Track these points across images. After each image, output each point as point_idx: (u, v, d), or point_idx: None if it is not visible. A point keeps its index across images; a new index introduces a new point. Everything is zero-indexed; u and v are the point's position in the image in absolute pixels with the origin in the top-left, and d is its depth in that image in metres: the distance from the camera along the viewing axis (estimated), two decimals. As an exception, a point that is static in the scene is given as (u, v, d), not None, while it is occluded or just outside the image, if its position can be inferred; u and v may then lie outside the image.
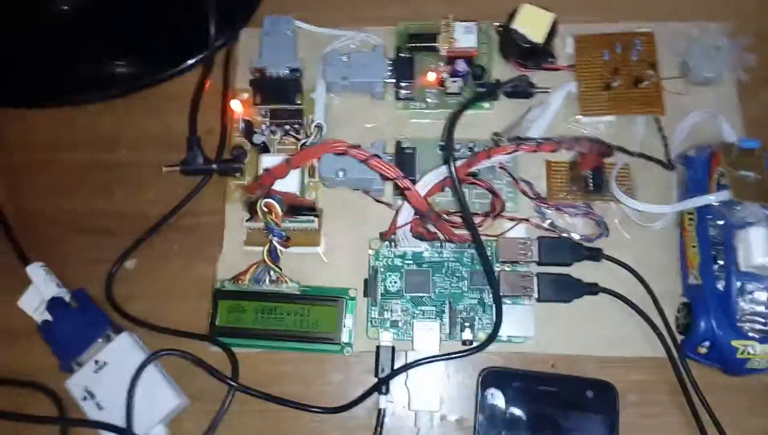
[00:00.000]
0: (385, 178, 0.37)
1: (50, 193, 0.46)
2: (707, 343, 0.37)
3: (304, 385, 0.41)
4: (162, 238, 0.44)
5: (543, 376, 0.40)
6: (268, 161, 0.42)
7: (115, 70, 0.48)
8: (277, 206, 0.38)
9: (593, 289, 0.40)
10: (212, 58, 0.46)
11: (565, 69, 0.45)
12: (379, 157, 0.36)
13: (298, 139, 0.44)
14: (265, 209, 0.38)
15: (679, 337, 0.40)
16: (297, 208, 0.41)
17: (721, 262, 0.38)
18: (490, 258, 0.40)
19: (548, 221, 0.42)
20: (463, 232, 0.41)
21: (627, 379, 0.40)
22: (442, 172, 0.39)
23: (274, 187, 0.39)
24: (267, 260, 0.40)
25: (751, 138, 0.40)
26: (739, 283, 0.37)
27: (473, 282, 0.41)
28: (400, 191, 0.40)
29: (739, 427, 0.39)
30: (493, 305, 0.39)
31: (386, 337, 0.40)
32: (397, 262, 0.41)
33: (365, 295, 0.41)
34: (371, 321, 0.41)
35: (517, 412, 0.39)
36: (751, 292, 0.37)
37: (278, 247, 0.39)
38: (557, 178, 0.43)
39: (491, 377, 0.39)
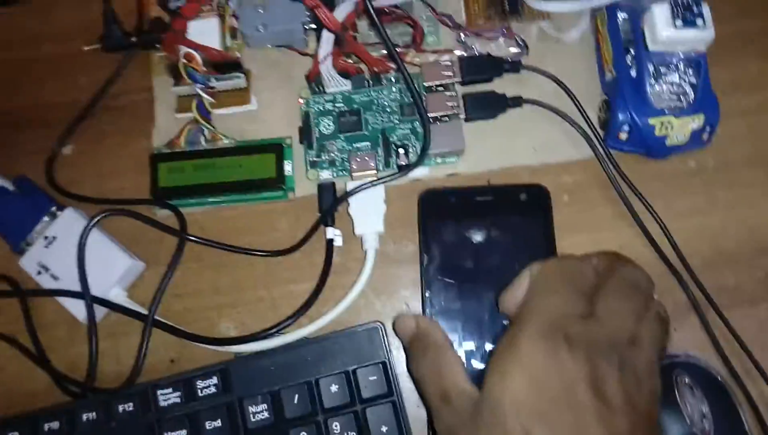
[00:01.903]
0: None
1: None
2: (626, 127, 0.39)
3: (254, 235, 0.42)
4: (95, 121, 0.44)
5: (478, 189, 0.41)
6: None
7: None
8: (196, 55, 0.39)
9: (518, 101, 0.41)
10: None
11: None
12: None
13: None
14: (186, 60, 0.39)
15: (603, 134, 0.42)
16: (221, 65, 0.41)
17: (633, 52, 0.40)
18: (416, 86, 0.41)
19: (470, 50, 0.43)
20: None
21: (559, 182, 0.42)
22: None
23: (194, 42, 0.40)
24: (197, 117, 0.40)
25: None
26: (651, 67, 0.39)
27: (404, 113, 0.42)
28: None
29: (670, 210, 0.41)
30: (422, 123, 0.40)
31: (326, 175, 0.41)
32: (328, 106, 0.42)
33: (301, 142, 0.42)
34: (309, 164, 0.42)
35: (458, 225, 0.40)
36: (663, 73, 0.39)
37: (205, 97, 0.40)
38: (474, 6, 0.44)
39: (430, 197, 0.41)
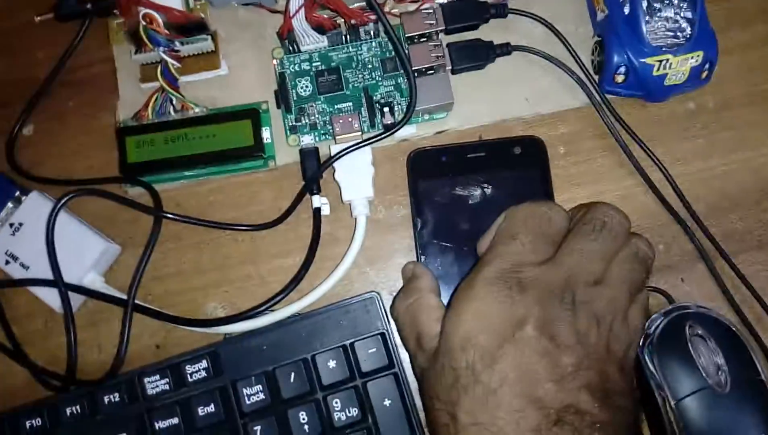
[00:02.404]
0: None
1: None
2: (623, 69, 0.37)
3: (237, 210, 0.40)
4: (55, 97, 0.41)
5: (469, 145, 0.39)
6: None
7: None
8: (157, 16, 0.36)
9: (506, 48, 0.39)
10: None
11: None
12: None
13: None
14: (146, 22, 0.36)
15: (598, 79, 0.39)
16: (185, 27, 0.38)
17: (626, -12, 0.37)
18: (398, 38, 0.38)
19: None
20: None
21: (555, 133, 0.40)
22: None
23: (153, 2, 0.36)
24: (163, 84, 0.37)
25: None
26: (644, 2, 0.37)
27: (386, 69, 0.39)
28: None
29: (670, 156, 0.39)
30: (407, 77, 0.38)
31: (308, 140, 0.39)
32: (305, 66, 0.40)
33: (278, 106, 0.39)
34: (289, 129, 0.39)
35: (450, 185, 0.38)
36: (657, 9, 0.37)
37: (171, 61, 0.37)
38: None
39: (419, 157, 0.39)
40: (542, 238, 0.32)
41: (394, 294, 0.37)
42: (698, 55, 0.37)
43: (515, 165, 0.38)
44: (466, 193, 0.38)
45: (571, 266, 0.30)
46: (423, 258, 0.37)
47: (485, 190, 0.38)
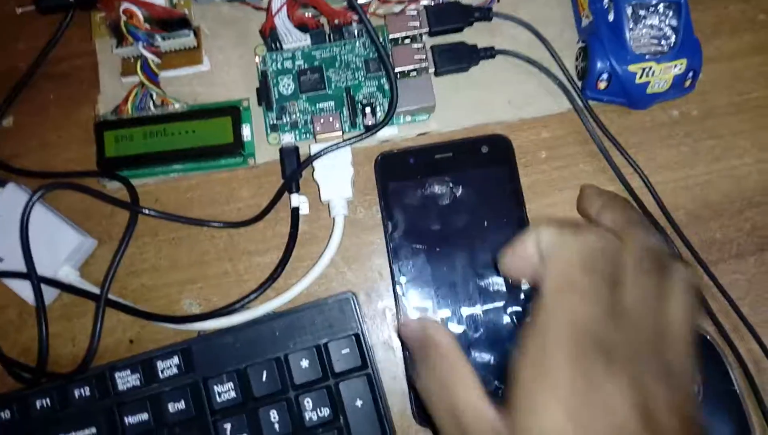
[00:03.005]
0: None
1: None
2: (605, 75, 0.37)
3: (215, 207, 0.39)
4: (36, 90, 0.41)
5: (436, 146, 0.39)
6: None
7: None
8: (137, 11, 0.36)
9: (490, 52, 0.39)
10: None
11: None
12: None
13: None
14: (126, 16, 0.36)
15: (581, 84, 0.39)
16: (167, 22, 0.38)
17: (611, -6, 0.37)
18: (380, 39, 0.38)
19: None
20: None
21: (537, 137, 0.40)
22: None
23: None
24: (143, 79, 0.37)
25: None
26: (629, 10, 0.36)
27: (370, 70, 0.39)
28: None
29: (652, 163, 0.39)
30: (388, 79, 0.37)
31: (288, 139, 0.39)
32: (287, 64, 0.39)
33: (259, 104, 0.39)
34: (270, 127, 0.39)
35: (418, 187, 0.38)
36: (642, 16, 0.37)
37: (150, 57, 0.37)
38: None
39: (386, 160, 0.38)
40: (602, 281, 0.26)
41: (370, 294, 0.37)
42: (682, 64, 0.37)
43: (483, 164, 0.38)
44: (436, 194, 0.38)
45: (643, 317, 0.26)
46: (395, 262, 0.37)
47: (454, 190, 0.38)
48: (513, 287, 0.36)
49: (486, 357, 0.36)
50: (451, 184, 0.38)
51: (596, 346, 0.25)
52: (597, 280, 0.26)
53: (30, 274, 0.35)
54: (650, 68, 0.36)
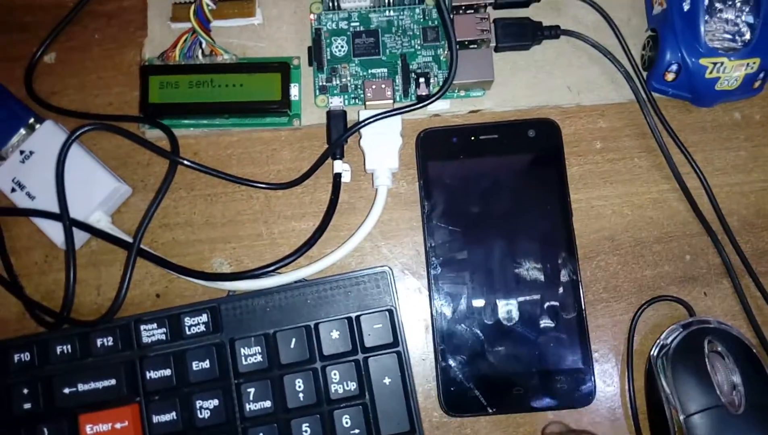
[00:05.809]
0: None
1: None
2: (675, 67, 0.35)
3: (254, 166, 0.38)
4: (81, 27, 0.40)
5: (481, 126, 0.37)
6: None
7: None
8: (197, -48, 0.34)
9: (555, 31, 0.37)
10: None
11: None
12: None
13: None
14: (184, -43, 0.34)
15: (646, 75, 0.37)
16: (224, -31, 0.37)
17: (688, -17, 0.35)
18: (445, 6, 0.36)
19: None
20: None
21: (593, 126, 0.38)
22: None
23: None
24: (195, 25, 0.36)
25: None
26: (707, 1, 0.35)
27: (427, 39, 0.38)
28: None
29: (710, 165, 0.38)
30: (449, 46, 0.36)
31: (336, 102, 0.37)
32: (343, 25, 0.38)
33: (310, 64, 0.38)
34: (319, 88, 0.38)
35: (460, 167, 0.37)
36: (719, 9, 0.35)
37: (206, 1, 0.35)
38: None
39: (429, 137, 0.37)
40: None
41: (405, 272, 0.36)
42: (755, 63, 0.35)
43: (529, 148, 0.37)
44: (476, 175, 0.36)
45: None
46: (431, 242, 0.36)
47: (498, 174, 0.36)
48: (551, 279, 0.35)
49: (517, 350, 0.35)
50: (494, 167, 0.36)
51: None
52: None
53: (63, 215, 0.34)
54: (722, 64, 0.35)
